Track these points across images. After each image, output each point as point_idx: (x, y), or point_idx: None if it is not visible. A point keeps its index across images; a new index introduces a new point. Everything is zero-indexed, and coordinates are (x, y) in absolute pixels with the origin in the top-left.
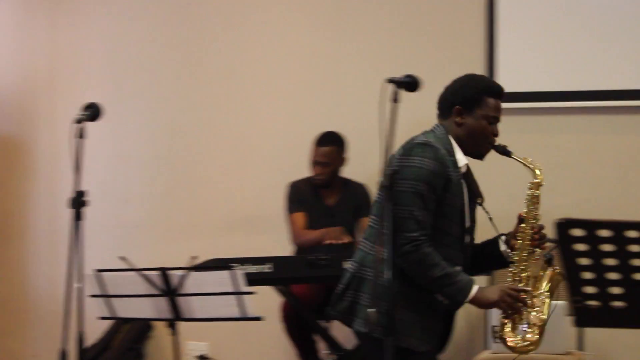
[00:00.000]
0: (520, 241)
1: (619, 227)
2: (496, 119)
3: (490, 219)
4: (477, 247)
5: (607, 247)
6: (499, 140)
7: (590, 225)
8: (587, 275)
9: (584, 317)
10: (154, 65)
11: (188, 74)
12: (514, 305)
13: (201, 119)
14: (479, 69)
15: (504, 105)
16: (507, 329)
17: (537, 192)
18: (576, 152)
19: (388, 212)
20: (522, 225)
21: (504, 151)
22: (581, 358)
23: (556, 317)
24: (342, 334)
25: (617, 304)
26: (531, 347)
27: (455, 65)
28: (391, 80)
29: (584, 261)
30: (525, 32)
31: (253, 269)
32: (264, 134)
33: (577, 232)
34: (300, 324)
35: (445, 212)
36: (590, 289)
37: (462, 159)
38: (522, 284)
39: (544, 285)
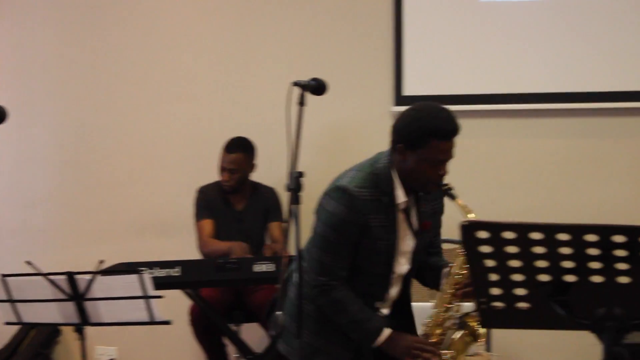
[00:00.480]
0: (440, 294)
1: (523, 229)
2: (442, 162)
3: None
4: (433, 265)
5: (512, 249)
6: None
7: (495, 228)
8: (493, 277)
9: (489, 318)
10: (62, 67)
11: (96, 77)
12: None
13: (110, 122)
14: (387, 73)
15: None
16: None
17: None
18: (485, 155)
19: (295, 215)
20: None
21: (448, 194)
22: (489, 359)
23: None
24: (252, 337)
25: (522, 305)
26: None
27: (363, 69)
28: (296, 84)
29: (489, 263)
30: (433, 35)
31: (161, 272)
32: (173, 138)
33: (482, 234)
34: (210, 328)
35: (365, 255)
36: (495, 291)
37: (401, 196)
38: (433, 339)
39: (451, 348)
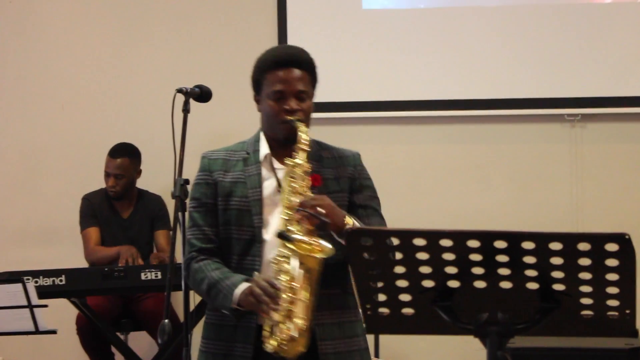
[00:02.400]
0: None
1: (406, 235)
2: (281, 93)
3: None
4: None
5: (396, 255)
6: None
7: (379, 234)
8: (378, 283)
9: (375, 324)
10: None
11: None
12: (259, 305)
13: None
14: None
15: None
16: (266, 331)
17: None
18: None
19: (181, 223)
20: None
21: (289, 124)
22: None
23: None
24: (141, 346)
25: (407, 310)
26: (296, 347)
27: (249, 75)
28: (180, 91)
29: (375, 270)
30: (316, 42)
31: (46, 281)
32: (56, 145)
33: (366, 241)
34: (97, 337)
35: (224, 219)
36: (381, 297)
37: (263, 150)
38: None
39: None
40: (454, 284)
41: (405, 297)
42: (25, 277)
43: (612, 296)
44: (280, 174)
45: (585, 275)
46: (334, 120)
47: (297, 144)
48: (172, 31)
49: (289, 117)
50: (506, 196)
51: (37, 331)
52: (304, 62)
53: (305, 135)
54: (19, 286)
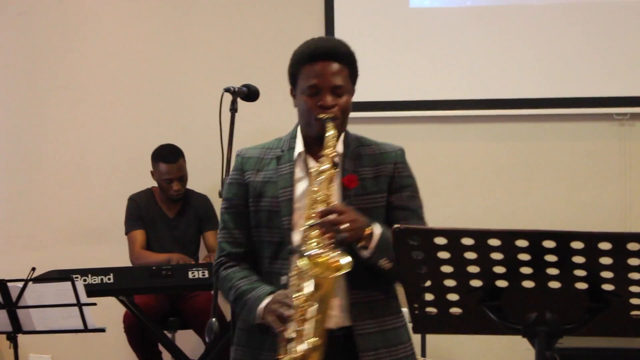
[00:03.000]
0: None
1: (454, 234)
2: (316, 88)
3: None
4: None
5: (444, 255)
6: None
7: (427, 233)
8: (425, 282)
9: (422, 323)
10: None
11: (26, 83)
12: (278, 323)
13: (41, 128)
14: None
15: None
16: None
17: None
18: (419, 161)
19: None
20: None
21: (322, 123)
22: None
23: None
24: (188, 344)
25: (455, 310)
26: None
27: None
28: (228, 90)
29: (422, 269)
30: (364, 41)
31: (94, 280)
32: (104, 144)
33: (414, 240)
34: (144, 335)
35: (255, 221)
36: (428, 296)
37: (298, 148)
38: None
39: (309, 294)
40: (502, 283)
41: (452, 297)
42: (74, 276)
43: None
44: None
45: (635, 276)
46: (380, 119)
47: (323, 147)
48: (219, 30)
49: (322, 115)
50: (554, 195)
51: (85, 329)
52: (343, 55)
53: (332, 136)
54: (68, 284)
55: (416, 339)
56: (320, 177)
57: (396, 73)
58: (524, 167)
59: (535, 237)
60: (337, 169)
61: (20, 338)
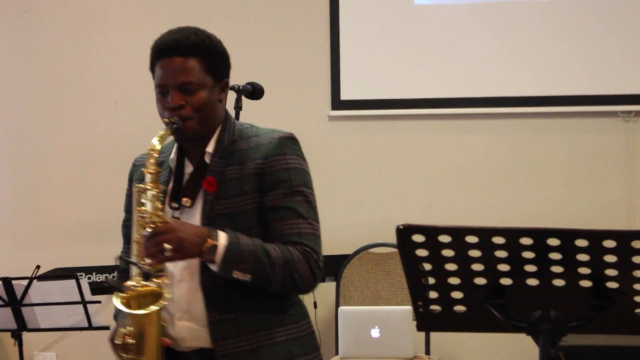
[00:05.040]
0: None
1: (459, 232)
2: (162, 87)
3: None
4: None
5: (448, 253)
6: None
7: (431, 231)
8: (429, 280)
9: (426, 321)
10: None
11: (30, 80)
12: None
13: (45, 125)
14: (324, 77)
15: (348, 113)
16: None
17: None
18: (421, 158)
19: None
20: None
21: (172, 128)
22: None
23: (402, 322)
24: None
25: (459, 308)
26: None
27: (300, 73)
28: (232, 88)
29: (426, 267)
30: (369, 39)
31: (99, 277)
32: (108, 143)
33: (418, 238)
34: None
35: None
36: (432, 294)
37: (174, 153)
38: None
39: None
40: (506, 281)
41: (457, 295)
42: (78, 274)
43: None
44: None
45: (639, 273)
46: (386, 117)
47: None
48: (224, 29)
49: (165, 120)
50: (559, 193)
51: (90, 327)
52: (189, 47)
53: (156, 145)
54: (72, 282)
55: (420, 336)
56: (147, 194)
57: (400, 71)
58: (529, 165)
59: (539, 234)
60: (160, 186)
61: (25, 336)
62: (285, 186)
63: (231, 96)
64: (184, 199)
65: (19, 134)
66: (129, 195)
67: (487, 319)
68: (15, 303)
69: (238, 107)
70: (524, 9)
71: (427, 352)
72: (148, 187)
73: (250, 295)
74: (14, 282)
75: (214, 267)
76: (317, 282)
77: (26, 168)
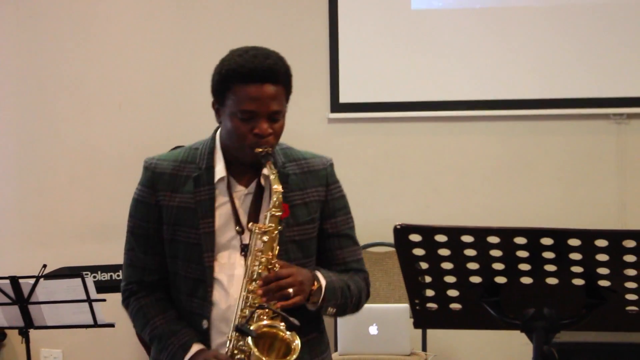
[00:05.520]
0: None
1: (454, 232)
2: (252, 114)
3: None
4: None
5: (444, 252)
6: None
7: (427, 231)
8: (426, 279)
9: (423, 319)
10: (0, 73)
11: (36, 82)
12: None
13: (51, 126)
14: (323, 80)
15: (347, 115)
16: None
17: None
18: (419, 160)
19: None
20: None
21: (259, 160)
22: (425, 358)
23: (399, 319)
24: None
25: (455, 306)
26: None
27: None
28: None
29: (422, 265)
30: (367, 43)
31: (104, 276)
32: (113, 143)
33: (415, 237)
34: None
35: (171, 250)
36: (429, 292)
37: (220, 171)
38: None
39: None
40: (501, 279)
41: (453, 293)
42: (84, 272)
43: None
44: (238, 200)
45: (631, 272)
46: (384, 119)
47: (271, 197)
48: (228, 31)
49: (259, 150)
50: (552, 194)
51: (95, 324)
52: (281, 75)
53: (277, 189)
54: (78, 281)
55: (417, 333)
56: (264, 238)
57: (398, 74)
58: (523, 166)
59: (533, 234)
60: (281, 227)
61: (32, 333)
62: (343, 213)
63: None
64: (253, 225)
65: (25, 136)
66: (149, 205)
67: (482, 317)
68: (23, 301)
69: None
70: (519, 15)
71: (424, 348)
72: (267, 228)
73: (316, 319)
74: (21, 280)
75: (311, 307)
76: None
77: (33, 170)
